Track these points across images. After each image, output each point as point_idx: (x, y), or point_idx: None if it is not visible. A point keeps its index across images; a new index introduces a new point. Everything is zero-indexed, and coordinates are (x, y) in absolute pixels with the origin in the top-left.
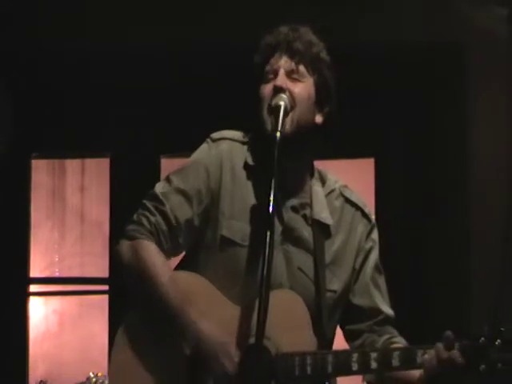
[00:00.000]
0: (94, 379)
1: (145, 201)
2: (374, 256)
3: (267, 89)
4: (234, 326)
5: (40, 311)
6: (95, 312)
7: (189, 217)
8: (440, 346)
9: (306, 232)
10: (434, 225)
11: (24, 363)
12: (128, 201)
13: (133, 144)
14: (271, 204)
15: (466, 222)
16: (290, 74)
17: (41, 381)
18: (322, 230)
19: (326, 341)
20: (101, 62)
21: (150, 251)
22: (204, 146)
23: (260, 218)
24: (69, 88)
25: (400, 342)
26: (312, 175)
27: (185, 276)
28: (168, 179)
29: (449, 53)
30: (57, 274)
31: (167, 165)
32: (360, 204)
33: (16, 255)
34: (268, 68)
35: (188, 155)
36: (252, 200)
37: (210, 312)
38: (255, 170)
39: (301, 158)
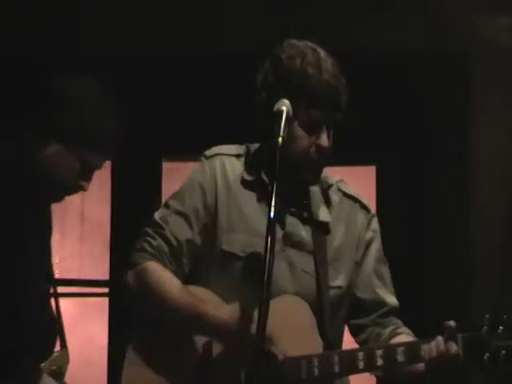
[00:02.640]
0: None
1: (145, 228)
2: (376, 246)
3: (307, 143)
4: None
5: None
6: (95, 314)
7: (189, 236)
8: (440, 338)
9: (306, 233)
10: (434, 231)
11: None
12: (129, 203)
13: (134, 146)
14: (272, 209)
15: (467, 229)
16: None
17: None
18: (321, 229)
19: (335, 338)
20: (102, 64)
21: (155, 270)
22: (198, 165)
23: (259, 229)
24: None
25: (404, 331)
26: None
27: (193, 289)
28: (166, 204)
29: (451, 62)
30: (57, 276)
31: (169, 167)
32: (358, 196)
33: None
34: (308, 117)
35: (190, 159)
36: (250, 212)
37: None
38: (251, 183)
39: None
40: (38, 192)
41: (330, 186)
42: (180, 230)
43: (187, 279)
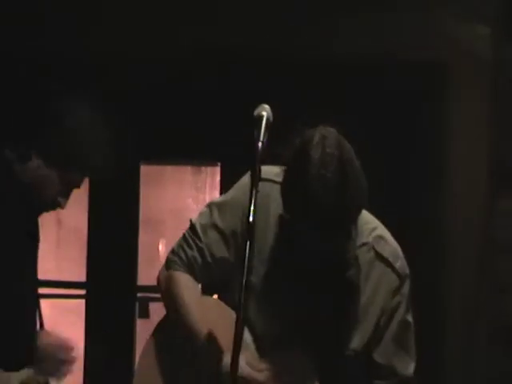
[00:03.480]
0: None
1: (186, 231)
2: (401, 311)
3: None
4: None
5: None
6: (71, 316)
7: (224, 255)
8: None
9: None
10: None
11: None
12: (107, 207)
13: (112, 150)
14: (251, 214)
15: (445, 231)
16: None
17: None
18: (349, 289)
19: None
20: (82, 65)
21: (181, 283)
22: (245, 182)
23: (276, 266)
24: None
25: None
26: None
27: (209, 304)
28: (210, 208)
29: (430, 70)
30: None
31: (147, 171)
32: (391, 259)
33: None
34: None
35: (168, 163)
36: (274, 249)
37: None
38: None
39: None
40: (23, 202)
41: (365, 243)
42: (217, 247)
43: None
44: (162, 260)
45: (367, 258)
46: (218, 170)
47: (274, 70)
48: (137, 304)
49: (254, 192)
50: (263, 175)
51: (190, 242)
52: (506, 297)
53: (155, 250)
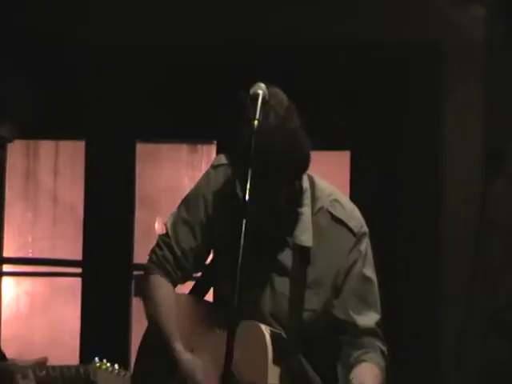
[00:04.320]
0: (98, 363)
1: (159, 235)
2: (358, 267)
3: None
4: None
5: (12, 292)
6: (67, 295)
7: (193, 245)
8: None
9: (287, 257)
10: (406, 219)
11: None
12: (102, 185)
13: (108, 128)
14: (247, 192)
15: (438, 217)
16: None
17: None
18: (303, 253)
19: (324, 354)
20: (80, 47)
21: (153, 288)
22: (205, 174)
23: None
24: (46, 70)
25: (370, 359)
26: (301, 194)
27: (184, 303)
28: (178, 208)
29: (424, 52)
30: (30, 255)
31: (142, 150)
32: (345, 219)
33: None
34: None
35: (163, 141)
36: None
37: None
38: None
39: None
40: None
41: (320, 208)
42: (186, 240)
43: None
44: None
45: (324, 222)
46: (213, 148)
47: (269, 49)
48: (133, 282)
49: (248, 170)
50: (221, 162)
51: (161, 243)
52: (501, 279)
53: (151, 228)
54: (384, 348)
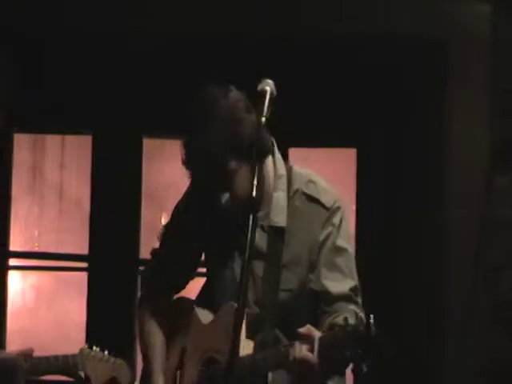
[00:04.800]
0: (87, 351)
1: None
2: (332, 239)
3: None
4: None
5: (18, 286)
6: (73, 289)
7: (182, 252)
8: (296, 343)
9: (263, 240)
10: (411, 216)
11: (2, 337)
12: (109, 179)
13: (115, 122)
14: (254, 189)
15: (444, 213)
16: None
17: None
18: (278, 234)
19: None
20: (87, 40)
21: (140, 323)
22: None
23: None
24: (53, 64)
25: (343, 320)
26: (275, 180)
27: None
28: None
29: (431, 48)
30: (36, 249)
31: (149, 144)
32: (318, 196)
33: None
34: None
35: (170, 136)
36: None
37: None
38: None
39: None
40: None
41: (296, 191)
42: (173, 249)
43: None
44: None
45: (299, 202)
46: None
47: (274, 48)
48: (139, 277)
49: (256, 166)
50: None
51: (152, 262)
52: (504, 273)
53: (157, 223)
54: (360, 313)
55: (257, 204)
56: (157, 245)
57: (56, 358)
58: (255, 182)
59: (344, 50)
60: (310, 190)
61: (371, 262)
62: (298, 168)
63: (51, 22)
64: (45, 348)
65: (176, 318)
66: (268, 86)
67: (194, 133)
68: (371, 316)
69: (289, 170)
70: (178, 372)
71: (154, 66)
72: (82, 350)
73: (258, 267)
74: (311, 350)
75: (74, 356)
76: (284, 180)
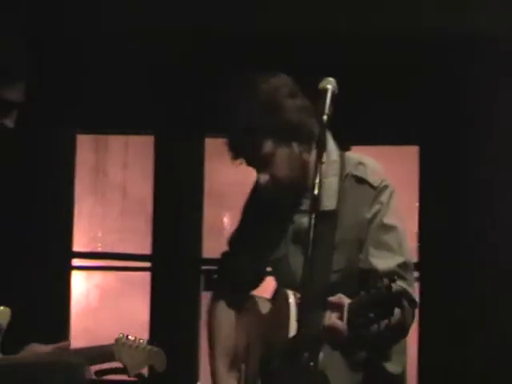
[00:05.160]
0: (122, 340)
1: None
2: (379, 217)
3: None
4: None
5: (81, 286)
6: (136, 289)
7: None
8: (327, 313)
9: (316, 225)
10: (476, 215)
11: (66, 336)
12: (171, 179)
13: (178, 122)
14: (316, 187)
15: (507, 213)
16: None
17: None
18: (328, 218)
19: None
20: (148, 42)
21: (212, 314)
22: None
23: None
24: (116, 65)
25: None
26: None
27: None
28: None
29: (498, 48)
30: (99, 249)
31: (211, 144)
32: (365, 176)
33: (60, 229)
34: None
35: None
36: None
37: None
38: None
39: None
40: None
41: (347, 175)
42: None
43: None
44: (227, 233)
45: (348, 185)
46: None
47: (320, 45)
48: (201, 277)
49: (318, 165)
50: None
51: (220, 264)
52: None
53: (220, 222)
54: (408, 288)
55: (319, 202)
56: (219, 244)
57: (90, 348)
58: (317, 181)
59: (408, 48)
60: (358, 172)
61: (435, 261)
62: (349, 153)
63: (108, 23)
64: None
65: (247, 315)
66: (329, 84)
67: (235, 115)
68: (395, 277)
69: (342, 155)
70: (243, 366)
71: (215, 66)
72: (117, 340)
73: (310, 250)
74: (341, 318)
75: (109, 346)
76: (336, 165)
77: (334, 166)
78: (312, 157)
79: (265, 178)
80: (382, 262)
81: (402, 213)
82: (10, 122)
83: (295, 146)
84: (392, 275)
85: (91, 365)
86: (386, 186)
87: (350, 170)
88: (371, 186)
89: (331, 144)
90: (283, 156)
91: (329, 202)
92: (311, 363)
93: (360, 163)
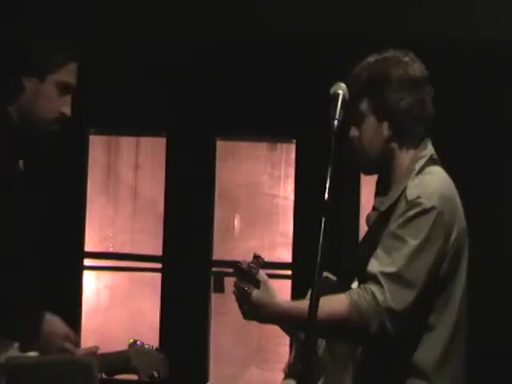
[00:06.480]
0: (134, 345)
1: None
2: (395, 227)
3: None
4: None
5: (92, 286)
6: (146, 289)
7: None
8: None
9: (374, 224)
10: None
11: (76, 336)
12: (183, 181)
13: (189, 124)
14: (327, 191)
15: None
16: None
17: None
18: (378, 218)
19: None
20: (159, 44)
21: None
22: None
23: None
24: (128, 66)
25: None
26: (412, 172)
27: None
28: None
29: (495, 47)
30: (111, 250)
31: (222, 147)
32: (407, 189)
33: (72, 229)
34: None
35: (244, 139)
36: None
37: None
38: None
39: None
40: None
41: (405, 188)
42: None
43: None
44: (237, 235)
45: (401, 193)
46: (293, 146)
47: (349, 48)
48: (212, 278)
49: (329, 170)
50: None
51: None
52: None
53: (230, 224)
54: (378, 294)
55: (330, 208)
56: (230, 245)
57: (105, 355)
58: (328, 185)
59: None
60: (411, 182)
61: None
62: (429, 168)
63: (124, 26)
64: (118, 348)
65: None
66: (341, 89)
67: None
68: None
69: (424, 166)
70: None
71: (228, 69)
72: (131, 344)
73: (363, 247)
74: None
75: (125, 352)
76: (410, 173)
77: (410, 173)
78: (403, 154)
79: (355, 132)
80: (373, 262)
81: (427, 235)
82: (69, 111)
83: (385, 127)
84: (370, 277)
85: (111, 374)
86: (419, 204)
87: (407, 183)
88: (406, 198)
89: (430, 149)
90: (370, 123)
91: (384, 205)
92: None
93: (423, 173)
